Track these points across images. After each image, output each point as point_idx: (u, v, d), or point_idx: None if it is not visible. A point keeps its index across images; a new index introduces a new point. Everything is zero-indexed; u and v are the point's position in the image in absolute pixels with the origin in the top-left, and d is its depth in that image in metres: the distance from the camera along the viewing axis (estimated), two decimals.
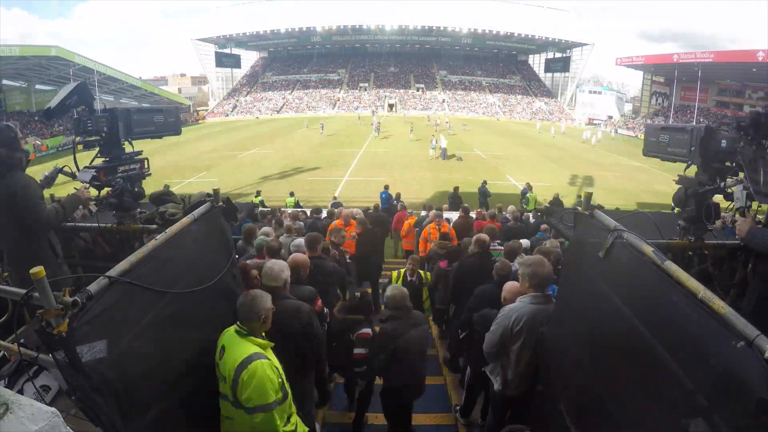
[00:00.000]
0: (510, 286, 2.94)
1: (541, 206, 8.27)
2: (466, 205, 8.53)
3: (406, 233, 8.36)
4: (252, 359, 1.91)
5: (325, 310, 3.26)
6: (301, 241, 4.12)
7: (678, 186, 2.75)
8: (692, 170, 2.67)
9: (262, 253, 3.93)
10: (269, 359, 1.98)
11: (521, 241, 5.01)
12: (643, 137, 3.10)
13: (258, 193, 13.35)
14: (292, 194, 13.38)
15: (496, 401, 2.86)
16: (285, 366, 2.09)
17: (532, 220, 8.00)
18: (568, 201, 14.67)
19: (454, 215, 8.68)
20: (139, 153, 3.08)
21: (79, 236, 3.46)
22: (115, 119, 2.80)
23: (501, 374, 2.68)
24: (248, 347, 1.96)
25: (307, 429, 2.17)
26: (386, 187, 12.25)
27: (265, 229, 4.92)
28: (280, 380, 1.98)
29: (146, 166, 3.12)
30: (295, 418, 2.12)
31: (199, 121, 51.03)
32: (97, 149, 2.88)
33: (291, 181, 18.09)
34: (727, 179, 2.50)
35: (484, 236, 4.22)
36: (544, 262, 2.57)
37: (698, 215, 2.58)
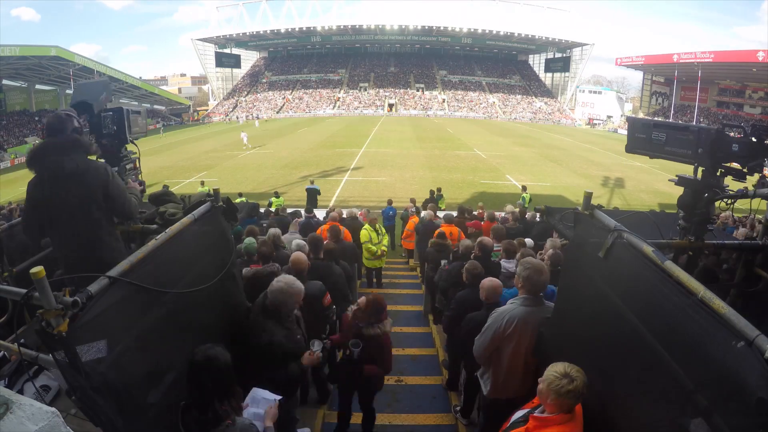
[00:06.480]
0: (488, 283, 3.00)
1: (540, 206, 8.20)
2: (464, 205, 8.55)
3: (408, 233, 8.40)
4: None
5: (333, 306, 3.39)
6: (302, 243, 4.06)
7: (679, 188, 2.71)
8: (689, 170, 2.63)
9: (252, 257, 3.92)
10: None
11: (526, 240, 5.00)
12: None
13: (276, 194, 12.29)
14: (277, 194, 12.26)
15: (487, 406, 2.83)
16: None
17: (538, 219, 7.95)
18: (568, 201, 14.69)
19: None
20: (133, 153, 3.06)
21: None
22: (122, 118, 2.80)
23: (492, 378, 2.67)
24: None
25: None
26: (390, 202, 10.51)
27: (272, 230, 4.79)
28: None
29: (138, 165, 3.11)
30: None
31: (200, 121, 50.80)
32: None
33: (291, 181, 18.08)
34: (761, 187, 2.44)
35: (487, 240, 4.22)
36: (543, 269, 2.56)
37: (708, 218, 2.56)
